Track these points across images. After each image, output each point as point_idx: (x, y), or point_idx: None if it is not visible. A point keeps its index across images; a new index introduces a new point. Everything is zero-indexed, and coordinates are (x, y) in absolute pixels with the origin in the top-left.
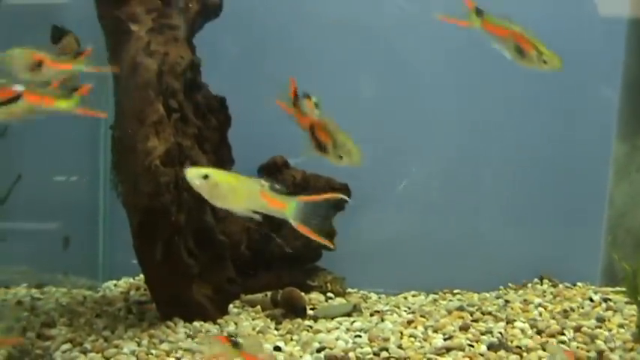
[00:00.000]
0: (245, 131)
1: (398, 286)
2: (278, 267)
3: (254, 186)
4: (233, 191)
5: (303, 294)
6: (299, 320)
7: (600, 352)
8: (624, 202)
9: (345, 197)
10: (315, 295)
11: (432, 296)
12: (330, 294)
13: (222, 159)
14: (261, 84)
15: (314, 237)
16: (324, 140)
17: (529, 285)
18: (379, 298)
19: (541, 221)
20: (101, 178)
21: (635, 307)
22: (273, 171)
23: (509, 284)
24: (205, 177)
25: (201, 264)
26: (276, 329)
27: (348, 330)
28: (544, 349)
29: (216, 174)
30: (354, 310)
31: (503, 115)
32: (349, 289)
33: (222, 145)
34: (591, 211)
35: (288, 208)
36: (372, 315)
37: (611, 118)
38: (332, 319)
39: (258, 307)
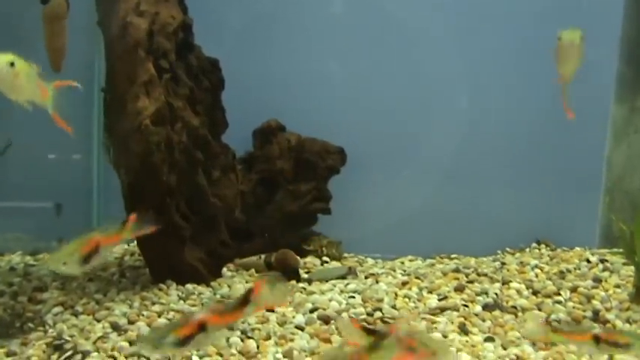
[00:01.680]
0: (241, 95)
1: (395, 251)
2: (274, 232)
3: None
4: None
5: (297, 257)
6: (293, 282)
7: (596, 312)
8: (622, 164)
9: None
10: (310, 259)
11: (429, 261)
12: (325, 258)
13: (216, 121)
14: (259, 49)
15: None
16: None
17: (527, 250)
18: (375, 262)
19: (539, 186)
20: (95, 145)
21: (632, 267)
22: (268, 134)
23: (507, 249)
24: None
25: (193, 227)
26: None
27: (342, 291)
28: (539, 309)
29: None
30: (348, 273)
31: (502, 79)
32: (345, 254)
33: (216, 107)
34: (589, 174)
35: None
36: (366, 278)
37: (610, 80)
38: (326, 281)
39: (252, 270)
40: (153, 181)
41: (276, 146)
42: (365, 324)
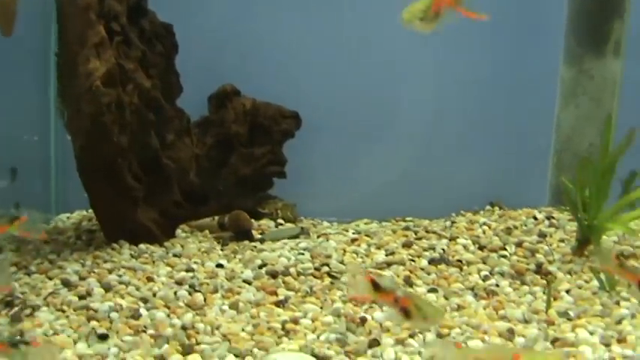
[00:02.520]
0: (195, 59)
1: (351, 215)
2: (229, 195)
3: None
4: None
5: (251, 219)
6: (246, 242)
7: (539, 265)
8: (571, 126)
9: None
10: (265, 222)
11: (384, 223)
12: (280, 221)
13: (170, 85)
14: (214, 13)
15: None
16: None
17: (480, 212)
18: (330, 225)
19: (493, 149)
20: (52, 116)
21: (576, 223)
22: (223, 99)
23: (461, 212)
24: None
25: (146, 187)
26: (222, 249)
27: (292, 249)
28: (484, 263)
29: None
30: (301, 233)
31: (455, 43)
32: (302, 218)
33: (169, 71)
34: (541, 136)
35: None
36: (318, 237)
37: (558, 43)
38: (278, 241)
39: (206, 231)
40: (104, 141)
41: (231, 110)
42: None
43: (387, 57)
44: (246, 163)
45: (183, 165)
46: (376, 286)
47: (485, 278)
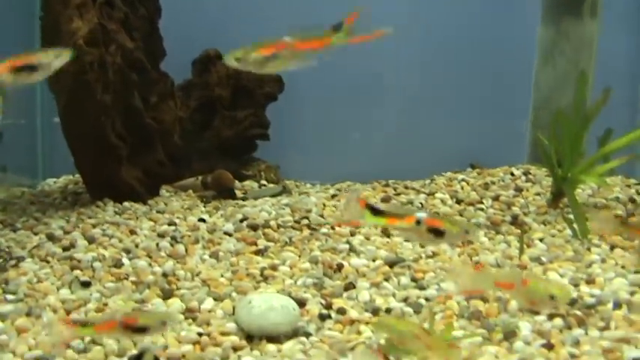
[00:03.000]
0: (179, 24)
1: (333, 177)
2: (212, 157)
3: None
4: None
5: (232, 177)
6: (228, 200)
7: (515, 216)
8: (549, 85)
9: None
10: (248, 183)
11: (366, 185)
12: (263, 182)
13: (153, 48)
14: None
15: None
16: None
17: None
18: (313, 186)
19: (473, 111)
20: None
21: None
22: (207, 63)
23: (442, 173)
24: None
25: (130, 147)
26: (204, 206)
27: (273, 205)
28: (461, 215)
29: None
30: (283, 192)
31: (431, 3)
32: (285, 180)
33: (153, 34)
34: (520, 97)
35: None
36: (300, 195)
37: (536, 3)
38: (261, 199)
39: (190, 191)
40: (87, 99)
41: (215, 74)
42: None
43: (367, 20)
44: (229, 126)
45: (167, 127)
46: (374, 210)
47: None
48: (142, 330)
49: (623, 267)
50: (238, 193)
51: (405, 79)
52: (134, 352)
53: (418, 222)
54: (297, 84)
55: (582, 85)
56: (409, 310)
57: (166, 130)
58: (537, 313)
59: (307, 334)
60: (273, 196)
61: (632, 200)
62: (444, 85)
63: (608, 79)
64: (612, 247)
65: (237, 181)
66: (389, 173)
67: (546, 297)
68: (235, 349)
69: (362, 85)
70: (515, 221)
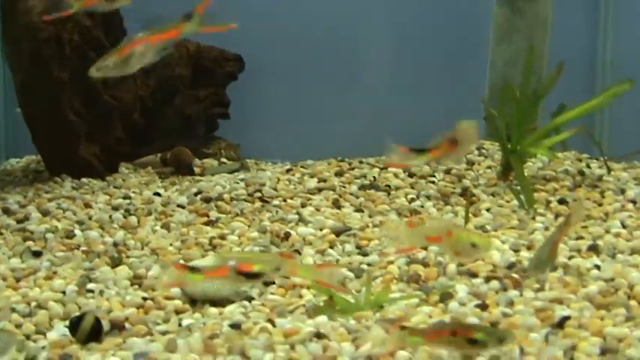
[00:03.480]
0: (140, 3)
1: (294, 156)
2: (173, 136)
3: None
4: None
5: (194, 157)
6: (186, 176)
7: (465, 189)
8: (504, 63)
9: None
10: (208, 161)
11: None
12: (224, 160)
13: (112, 26)
14: None
15: None
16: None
17: None
18: (274, 165)
19: (432, 89)
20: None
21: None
22: None
23: None
24: None
25: (88, 124)
26: (161, 182)
27: (229, 180)
28: (412, 187)
29: None
30: (241, 168)
31: None
32: (247, 160)
33: (113, 14)
34: (475, 76)
35: None
36: (257, 171)
37: None
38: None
39: (150, 167)
40: (43, 77)
41: (175, 53)
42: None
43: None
44: (190, 105)
45: (127, 105)
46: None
47: (411, 201)
48: (256, 276)
49: (566, 234)
50: (197, 170)
51: (362, 58)
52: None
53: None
54: (258, 64)
55: (530, 59)
56: (351, 274)
57: (126, 108)
58: (475, 275)
59: (250, 299)
60: (231, 172)
61: (581, 173)
62: (401, 63)
63: (564, 56)
64: (557, 216)
65: (197, 159)
66: (350, 151)
67: (468, 246)
68: (178, 312)
69: (321, 64)
70: (464, 193)
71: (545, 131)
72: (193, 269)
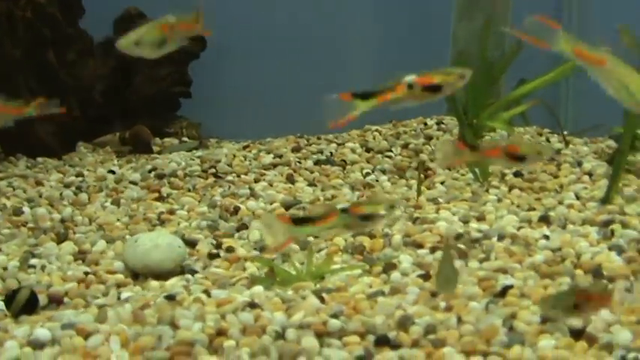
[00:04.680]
0: None
1: (257, 135)
2: (135, 115)
3: None
4: None
5: (154, 135)
6: (144, 155)
7: (421, 162)
8: (465, 39)
9: None
10: (169, 140)
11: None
12: (185, 139)
13: (69, 5)
14: None
15: None
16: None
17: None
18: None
19: (395, 66)
20: None
21: None
22: (128, 22)
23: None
24: None
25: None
26: (118, 160)
27: (185, 157)
28: (368, 162)
29: None
30: (200, 146)
31: None
32: (211, 139)
33: None
34: (439, 52)
35: None
36: (216, 148)
37: None
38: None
39: (108, 147)
40: None
41: None
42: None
43: None
44: (151, 84)
45: (86, 84)
46: (473, 147)
47: (365, 175)
48: (369, 218)
49: (518, 206)
50: (156, 149)
51: (325, 36)
52: None
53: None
54: (219, 41)
55: (486, 34)
56: (296, 247)
57: (85, 87)
58: (421, 246)
59: (193, 272)
60: (190, 150)
61: None
62: (364, 41)
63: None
64: (511, 189)
65: (158, 138)
66: (312, 129)
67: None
68: (119, 286)
69: (284, 42)
70: (420, 166)
71: (501, 105)
72: (301, 220)
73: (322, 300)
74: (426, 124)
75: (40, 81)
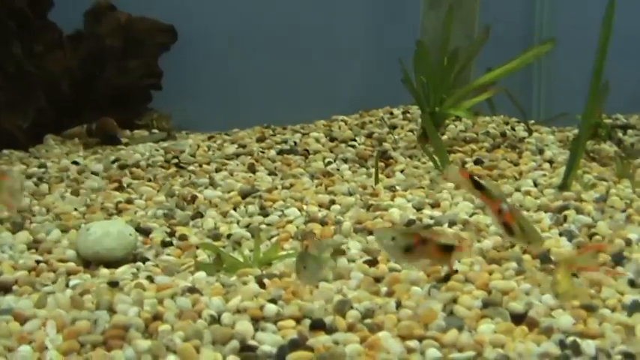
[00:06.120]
0: None
1: (229, 126)
2: (105, 107)
3: None
4: None
5: (124, 128)
6: (111, 146)
7: (384, 152)
8: (434, 29)
9: None
10: (139, 132)
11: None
12: (155, 131)
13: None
14: None
15: None
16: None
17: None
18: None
19: (365, 57)
20: None
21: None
22: (98, 14)
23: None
24: None
25: (10, 95)
26: (85, 151)
27: (151, 148)
28: (331, 152)
29: None
30: (168, 138)
31: None
32: (183, 132)
33: None
34: (408, 42)
35: None
36: (184, 139)
37: None
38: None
39: (76, 139)
40: None
41: (106, 25)
42: (474, 175)
43: None
44: (121, 76)
45: (54, 76)
46: (478, 185)
47: (327, 164)
48: None
49: None
50: (125, 141)
51: (296, 27)
52: None
53: (500, 211)
54: (190, 34)
55: (449, 21)
56: (247, 234)
57: (54, 79)
58: (371, 233)
59: (145, 260)
60: (157, 141)
61: (503, 134)
62: (335, 32)
63: (496, 19)
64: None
65: (127, 130)
66: (283, 119)
67: None
68: (69, 274)
69: (254, 34)
70: (382, 155)
71: (464, 93)
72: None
73: (263, 285)
74: (392, 113)
75: (5, 73)
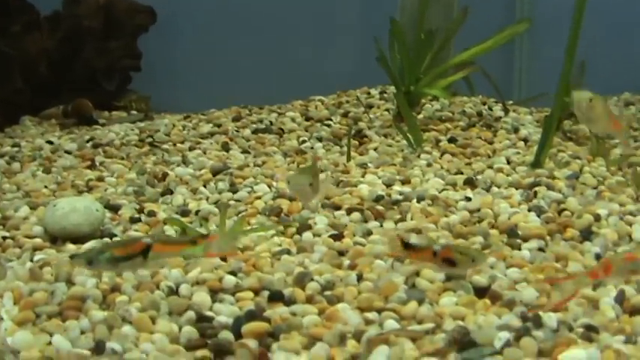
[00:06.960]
0: None
1: (208, 107)
2: (83, 88)
3: None
4: None
5: (94, 108)
6: (87, 127)
7: (359, 130)
8: (413, 8)
9: None
10: (117, 113)
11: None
12: (134, 112)
13: None
14: None
15: None
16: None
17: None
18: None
19: (344, 38)
20: None
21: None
22: None
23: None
24: None
25: None
26: (61, 132)
27: (126, 128)
28: (306, 130)
29: None
30: (145, 119)
31: None
32: (163, 113)
33: None
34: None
35: None
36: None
37: None
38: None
39: (53, 120)
40: None
41: (85, 6)
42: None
43: None
44: (100, 57)
45: (31, 57)
46: (407, 245)
47: (301, 142)
48: None
49: (447, 170)
50: (102, 121)
51: (276, 8)
52: None
53: (435, 253)
54: (170, 17)
55: (425, 1)
56: (215, 210)
57: (30, 59)
58: (338, 208)
59: (112, 235)
60: (134, 122)
61: (479, 114)
62: (315, 13)
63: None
64: (443, 154)
65: (106, 111)
66: (261, 99)
67: None
68: (35, 249)
69: (234, 15)
70: (356, 133)
71: (439, 72)
72: None
73: (224, 258)
74: (369, 93)
75: None
